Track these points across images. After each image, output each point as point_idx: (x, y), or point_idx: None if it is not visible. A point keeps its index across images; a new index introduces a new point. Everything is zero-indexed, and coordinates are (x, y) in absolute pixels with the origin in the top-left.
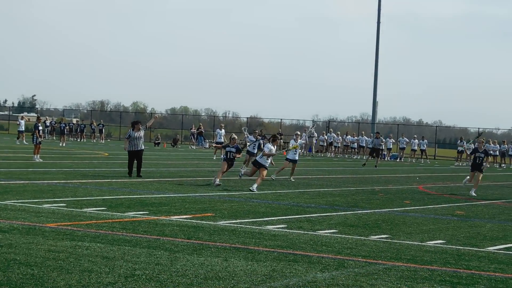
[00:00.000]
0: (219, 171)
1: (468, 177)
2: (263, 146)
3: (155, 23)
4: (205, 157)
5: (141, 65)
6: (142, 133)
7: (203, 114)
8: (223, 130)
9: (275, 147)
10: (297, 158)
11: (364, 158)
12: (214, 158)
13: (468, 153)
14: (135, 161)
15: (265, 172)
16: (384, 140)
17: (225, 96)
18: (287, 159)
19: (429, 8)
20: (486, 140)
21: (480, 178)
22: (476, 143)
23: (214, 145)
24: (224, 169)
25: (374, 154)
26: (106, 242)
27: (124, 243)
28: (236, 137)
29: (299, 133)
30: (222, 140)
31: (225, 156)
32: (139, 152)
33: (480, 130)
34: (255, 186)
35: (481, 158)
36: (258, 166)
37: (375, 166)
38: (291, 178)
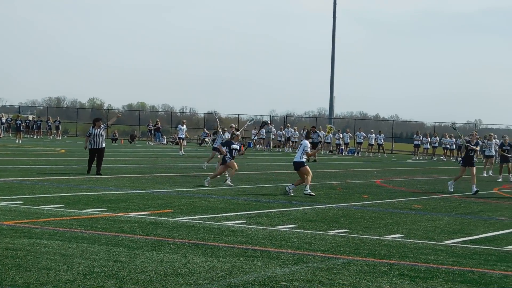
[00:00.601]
0: (231, 171)
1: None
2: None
3: (111, 19)
4: (163, 153)
5: (97, 61)
6: (103, 130)
7: (160, 110)
8: (184, 126)
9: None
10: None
11: (322, 152)
12: (181, 153)
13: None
14: (95, 159)
15: (307, 169)
16: (320, 134)
17: (182, 92)
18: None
19: (385, 3)
20: (442, 134)
21: (474, 172)
22: (469, 137)
23: (218, 146)
24: (235, 167)
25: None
26: (64, 239)
27: (83, 240)
28: (239, 134)
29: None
30: (183, 136)
31: (229, 154)
32: (101, 149)
33: (453, 124)
34: (308, 188)
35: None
36: (299, 167)
37: (314, 161)
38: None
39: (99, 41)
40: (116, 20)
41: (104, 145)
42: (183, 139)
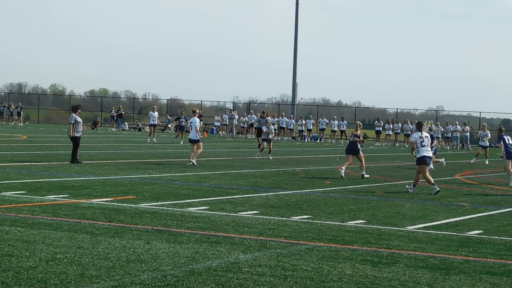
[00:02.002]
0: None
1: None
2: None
3: (71, 4)
4: (126, 139)
5: (58, 46)
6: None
7: (122, 96)
8: (156, 113)
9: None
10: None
11: (285, 139)
12: (148, 140)
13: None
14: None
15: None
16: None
17: (145, 78)
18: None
19: None
20: (404, 120)
21: None
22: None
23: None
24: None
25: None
26: (26, 226)
27: (45, 226)
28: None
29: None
30: (156, 123)
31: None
32: (79, 137)
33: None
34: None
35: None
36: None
37: (259, 146)
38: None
39: (61, 26)
40: (74, 4)
41: None
42: (155, 126)
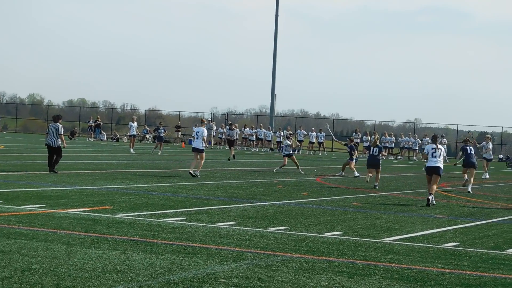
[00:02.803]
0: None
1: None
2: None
3: (50, 12)
4: (103, 149)
5: (37, 55)
6: None
7: (101, 106)
8: (135, 123)
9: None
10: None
11: (263, 150)
12: (132, 151)
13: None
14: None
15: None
16: (236, 131)
17: (123, 88)
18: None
19: (324, 1)
20: (382, 132)
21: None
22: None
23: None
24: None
25: (229, 146)
26: (2, 235)
27: (21, 236)
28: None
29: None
30: (135, 133)
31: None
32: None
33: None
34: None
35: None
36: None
37: (228, 159)
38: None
39: (39, 35)
40: (52, 13)
41: None
42: (134, 136)
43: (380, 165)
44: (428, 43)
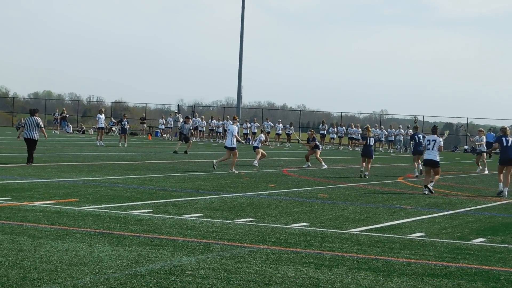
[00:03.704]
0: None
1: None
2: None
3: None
4: (69, 142)
5: (1, 48)
6: None
7: (67, 98)
8: (103, 115)
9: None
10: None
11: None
12: (99, 144)
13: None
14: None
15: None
16: (190, 126)
17: (89, 80)
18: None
19: None
20: (348, 123)
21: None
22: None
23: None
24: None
25: (184, 140)
26: None
27: None
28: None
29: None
30: (103, 125)
31: None
32: None
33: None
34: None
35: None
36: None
37: (185, 152)
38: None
39: (3, 29)
40: (17, 6)
41: None
42: (102, 129)
43: (373, 156)
44: (393, 35)
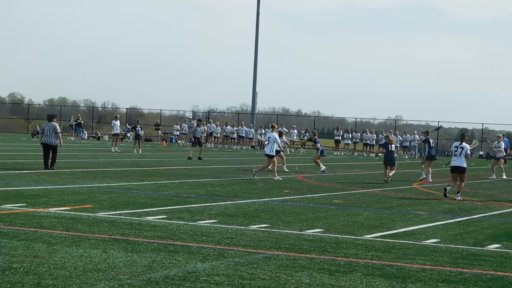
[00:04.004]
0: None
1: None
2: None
3: (29, 11)
4: (84, 148)
5: (17, 54)
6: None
7: (82, 105)
8: (118, 122)
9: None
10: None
11: (244, 148)
12: (113, 150)
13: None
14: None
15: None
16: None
17: (104, 86)
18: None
19: None
20: (363, 129)
21: None
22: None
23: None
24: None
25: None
26: None
27: (1, 235)
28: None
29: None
30: (118, 132)
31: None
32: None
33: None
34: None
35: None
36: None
37: (199, 158)
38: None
39: (18, 34)
40: (33, 11)
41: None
42: (117, 135)
43: (395, 163)
44: (409, 41)
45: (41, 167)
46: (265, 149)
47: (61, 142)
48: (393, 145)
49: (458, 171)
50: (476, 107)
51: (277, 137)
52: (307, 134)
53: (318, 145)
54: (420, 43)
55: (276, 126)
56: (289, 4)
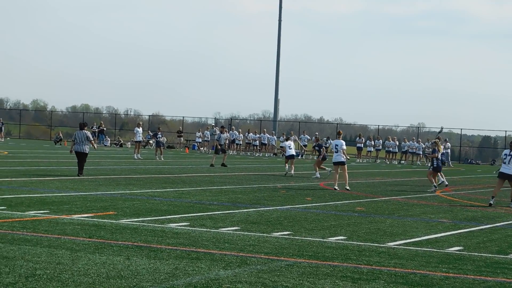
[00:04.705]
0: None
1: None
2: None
3: (52, 19)
4: (106, 155)
5: (40, 61)
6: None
7: (104, 112)
8: (141, 129)
9: None
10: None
11: (266, 155)
12: (136, 157)
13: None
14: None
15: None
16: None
17: (127, 94)
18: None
19: (326, 5)
20: (385, 137)
21: None
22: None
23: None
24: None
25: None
26: (6, 241)
27: (25, 242)
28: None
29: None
30: (141, 139)
31: None
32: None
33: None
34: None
35: None
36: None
37: (222, 164)
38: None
39: (41, 42)
40: (56, 20)
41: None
42: (140, 142)
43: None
44: (430, 47)
45: (64, 173)
46: (334, 157)
47: (95, 147)
48: (440, 152)
49: (508, 178)
50: (500, 114)
51: (344, 144)
52: (330, 141)
53: (322, 150)
54: (442, 49)
55: (342, 133)
56: (311, 11)
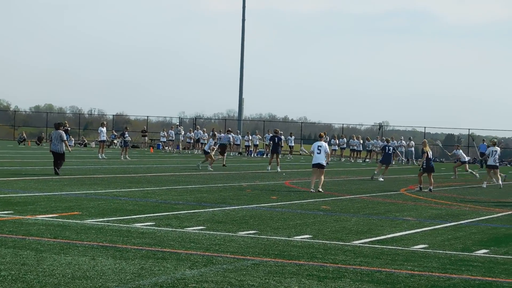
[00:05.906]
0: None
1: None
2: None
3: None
4: (71, 155)
5: (1, 61)
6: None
7: (68, 112)
8: (105, 128)
9: None
10: None
11: (231, 154)
12: (100, 157)
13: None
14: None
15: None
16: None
17: (90, 93)
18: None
19: (290, 4)
20: (349, 135)
21: None
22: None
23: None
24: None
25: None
26: None
27: None
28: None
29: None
30: (105, 139)
31: None
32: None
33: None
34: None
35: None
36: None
37: (223, 166)
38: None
39: (3, 39)
40: (18, 17)
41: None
42: (104, 142)
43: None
44: (394, 45)
45: (28, 173)
46: (314, 159)
47: (69, 149)
48: (430, 152)
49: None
50: (463, 113)
51: (327, 147)
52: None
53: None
54: (405, 48)
55: (324, 135)
56: (274, 10)
